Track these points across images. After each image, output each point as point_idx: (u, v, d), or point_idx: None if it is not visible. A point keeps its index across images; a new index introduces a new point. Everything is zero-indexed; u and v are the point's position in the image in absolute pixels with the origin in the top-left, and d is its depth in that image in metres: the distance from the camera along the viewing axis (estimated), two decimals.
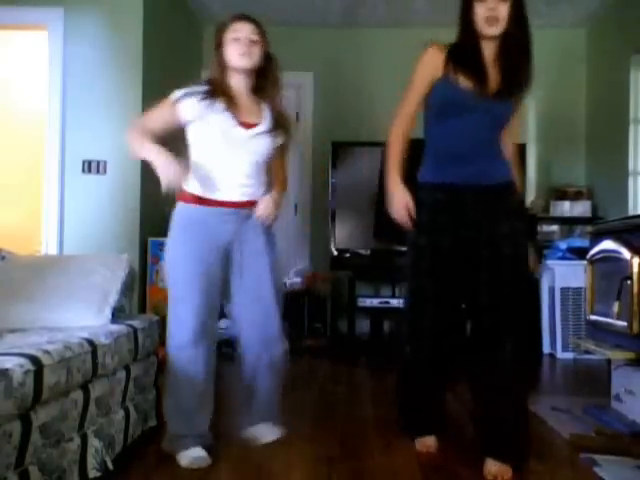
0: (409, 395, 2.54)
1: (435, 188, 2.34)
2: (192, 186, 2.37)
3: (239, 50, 2.33)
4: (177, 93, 2.33)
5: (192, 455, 2.27)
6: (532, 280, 5.04)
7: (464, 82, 2.25)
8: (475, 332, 2.32)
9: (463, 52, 2.27)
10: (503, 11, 2.19)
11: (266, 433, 2.48)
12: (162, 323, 2.89)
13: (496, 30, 2.20)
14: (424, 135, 2.41)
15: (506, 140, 2.37)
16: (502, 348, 2.22)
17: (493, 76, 2.26)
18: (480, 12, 2.20)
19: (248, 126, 2.35)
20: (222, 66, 2.37)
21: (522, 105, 2.37)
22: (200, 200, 2.36)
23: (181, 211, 2.39)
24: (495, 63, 2.27)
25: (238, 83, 2.39)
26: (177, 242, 2.36)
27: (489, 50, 2.26)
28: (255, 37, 2.37)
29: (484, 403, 2.30)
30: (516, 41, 2.23)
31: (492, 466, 2.19)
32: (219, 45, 2.37)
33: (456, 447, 2.51)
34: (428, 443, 2.48)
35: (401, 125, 2.37)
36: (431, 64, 2.29)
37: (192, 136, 2.37)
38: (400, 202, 2.33)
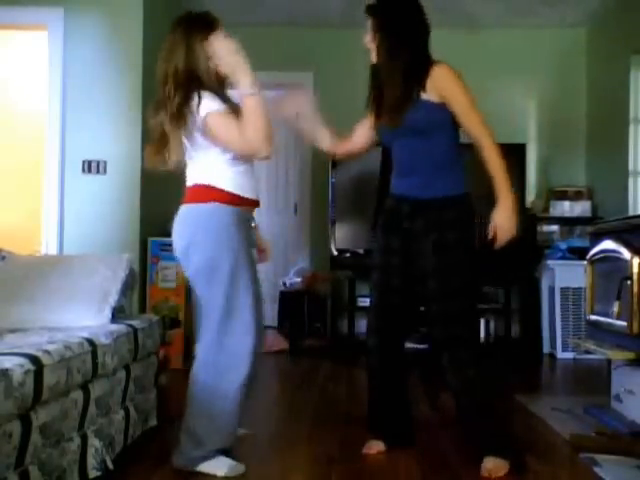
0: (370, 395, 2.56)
1: (389, 197, 2.47)
2: (230, 184, 2.25)
3: None
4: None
5: (228, 463, 2.20)
6: (532, 279, 5.05)
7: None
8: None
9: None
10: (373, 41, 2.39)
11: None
12: (162, 323, 2.90)
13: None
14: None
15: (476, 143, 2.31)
16: (447, 354, 2.28)
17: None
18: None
19: None
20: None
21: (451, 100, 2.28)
22: (237, 199, 2.25)
23: (221, 211, 2.22)
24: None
25: None
26: (234, 244, 2.21)
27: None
28: None
29: (457, 407, 2.36)
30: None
31: (487, 462, 2.22)
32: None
33: (457, 447, 2.51)
34: (373, 446, 2.46)
35: None
36: None
37: None
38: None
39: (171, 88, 2.18)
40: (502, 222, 2.24)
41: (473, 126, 2.27)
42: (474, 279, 2.35)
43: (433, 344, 2.38)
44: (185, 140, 2.21)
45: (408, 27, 2.36)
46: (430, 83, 2.27)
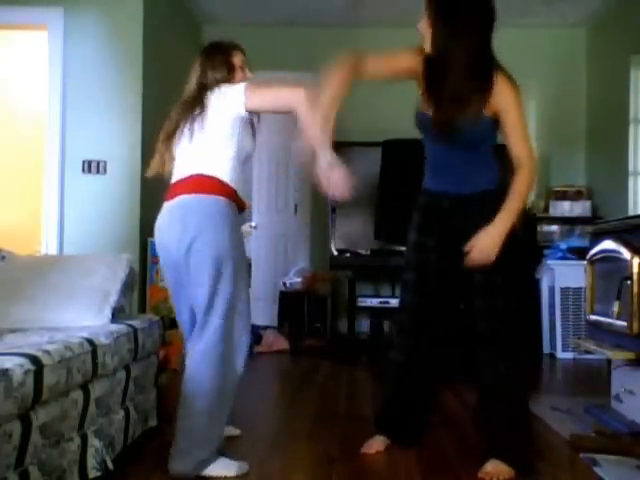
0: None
1: (424, 193, 2.43)
2: (233, 180, 2.29)
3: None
4: None
5: (232, 465, 2.18)
6: (531, 280, 5.05)
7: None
8: (471, 335, 2.31)
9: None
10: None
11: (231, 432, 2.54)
12: (162, 323, 2.90)
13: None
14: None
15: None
16: (496, 353, 2.24)
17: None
18: None
19: None
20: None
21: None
22: (236, 197, 2.30)
23: (226, 205, 2.24)
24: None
25: None
26: (237, 240, 2.25)
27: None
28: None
29: (483, 406, 2.33)
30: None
31: (489, 465, 2.20)
32: (230, 66, 2.48)
33: (457, 447, 2.51)
34: (374, 444, 2.46)
35: None
36: None
37: (239, 136, 2.33)
38: None
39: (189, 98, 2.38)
40: (483, 245, 2.17)
41: (520, 146, 2.20)
42: (521, 272, 2.31)
43: (474, 339, 2.30)
44: (188, 129, 2.30)
45: (469, 14, 2.14)
46: (491, 98, 2.17)
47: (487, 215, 2.19)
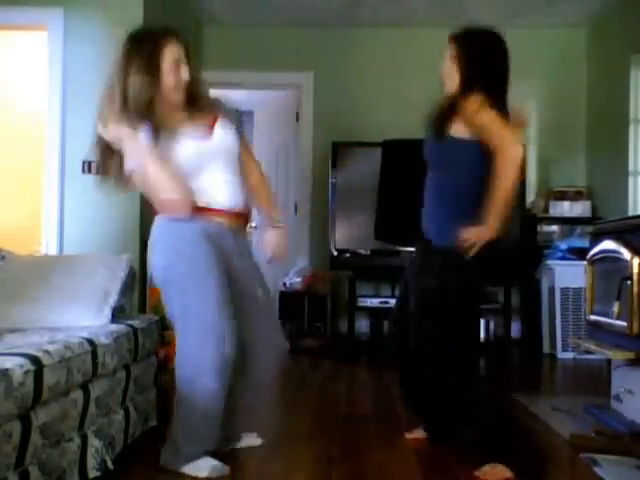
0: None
1: None
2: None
3: (180, 85, 2.20)
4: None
5: (209, 465, 2.15)
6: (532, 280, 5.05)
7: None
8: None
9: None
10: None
11: (251, 441, 2.49)
12: (162, 323, 2.90)
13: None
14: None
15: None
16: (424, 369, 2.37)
17: None
18: None
19: (209, 131, 2.25)
20: (162, 94, 2.20)
21: None
22: (197, 210, 2.20)
23: (167, 225, 2.21)
24: None
25: (177, 102, 2.25)
26: (185, 254, 2.18)
27: None
28: (186, 58, 2.22)
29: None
30: None
31: (487, 465, 2.21)
32: (154, 67, 2.16)
33: (456, 447, 2.51)
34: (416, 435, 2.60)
35: None
36: None
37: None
38: None
39: None
40: (473, 235, 2.22)
41: (494, 137, 2.26)
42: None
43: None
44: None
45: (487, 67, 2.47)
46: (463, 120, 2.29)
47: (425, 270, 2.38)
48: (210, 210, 2.21)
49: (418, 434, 2.62)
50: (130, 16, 4.19)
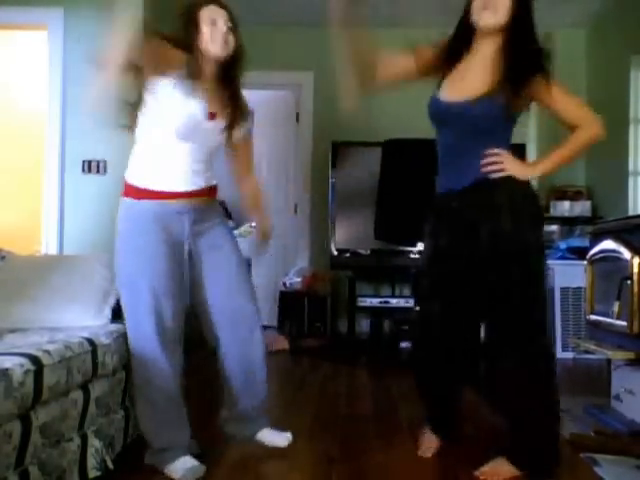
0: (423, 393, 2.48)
1: (435, 198, 2.31)
2: (136, 177, 2.24)
3: (217, 35, 2.19)
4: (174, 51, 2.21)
5: (184, 467, 2.14)
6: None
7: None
8: (486, 338, 2.23)
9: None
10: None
11: (275, 439, 2.46)
12: None
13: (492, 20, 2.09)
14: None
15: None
16: (505, 358, 2.12)
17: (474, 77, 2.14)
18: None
19: (212, 116, 2.24)
20: (198, 49, 2.20)
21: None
22: (147, 193, 2.20)
23: (126, 207, 2.23)
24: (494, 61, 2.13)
25: (207, 69, 2.25)
26: (125, 242, 2.21)
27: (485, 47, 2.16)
28: (232, 25, 2.25)
29: (505, 407, 2.23)
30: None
31: (488, 465, 2.18)
32: (194, 25, 2.21)
33: (457, 447, 2.51)
34: (430, 441, 2.42)
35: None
36: None
37: (149, 113, 2.22)
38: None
39: None
40: (513, 168, 2.20)
41: (579, 111, 2.32)
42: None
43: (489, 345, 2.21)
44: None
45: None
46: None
47: (500, 202, 2.10)
48: (160, 193, 2.21)
49: (434, 443, 2.40)
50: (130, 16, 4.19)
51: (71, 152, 4.14)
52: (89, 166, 4.15)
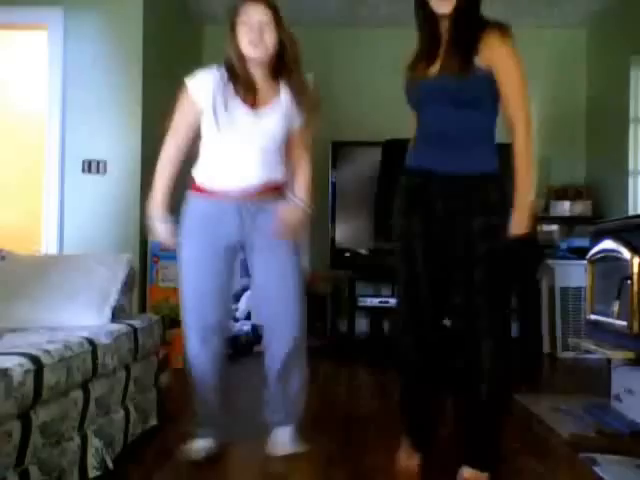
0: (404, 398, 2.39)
1: (407, 173, 2.23)
2: (200, 175, 2.34)
3: (249, 36, 2.23)
4: (190, 80, 2.29)
5: (194, 446, 2.35)
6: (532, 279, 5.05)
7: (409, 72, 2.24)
8: (452, 333, 2.21)
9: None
10: None
11: (286, 441, 2.43)
12: (162, 323, 2.90)
13: (448, 7, 2.11)
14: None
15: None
16: (477, 356, 2.10)
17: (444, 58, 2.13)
18: None
19: (261, 112, 2.28)
20: (239, 53, 2.26)
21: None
22: (206, 191, 2.31)
23: (187, 201, 2.36)
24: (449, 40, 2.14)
25: (253, 68, 2.30)
26: (182, 238, 2.33)
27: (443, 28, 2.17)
28: (267, 20, 2.24)
29: (465, 414, 2.22)
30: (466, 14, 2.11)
31: (466, 472, 2.14)
32: (232, 29, 2.26)
33: (456, 447, 2.51)
34: (412, 461, 2.29)
35: None
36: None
37: (205, 123, 2.31)
38: None
39: None
40: (517, 222, 2.06)
41: (515, 105, 2.07)
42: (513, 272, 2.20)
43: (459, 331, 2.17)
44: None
45: None
46: (483, 48, 2.06)
47: (486, 207, 2.06)
48: (210, 191, 2.31)
49: (414, 460, 2.28)
50: (130, 16, 4.19)
51: (71, 152, 4.14)
52: (89, 166, 4.15)
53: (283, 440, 2.43)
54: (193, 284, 2.31)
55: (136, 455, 2.36)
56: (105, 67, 4.18)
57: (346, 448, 2.50)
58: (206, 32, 5.76)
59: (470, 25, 2.11)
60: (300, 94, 2.36)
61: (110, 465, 2.10)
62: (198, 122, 2.31)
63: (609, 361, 3.09)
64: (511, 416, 2.37)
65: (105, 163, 4.14)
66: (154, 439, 2.56)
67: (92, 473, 2.00)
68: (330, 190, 5.18)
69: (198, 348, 2.34)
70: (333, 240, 5.15)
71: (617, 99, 4.91)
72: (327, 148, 5.22)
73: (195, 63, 5.63)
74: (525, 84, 2.09)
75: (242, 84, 2.26)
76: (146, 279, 4.18)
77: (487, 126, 2.15)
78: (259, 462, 2.35)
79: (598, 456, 2.39)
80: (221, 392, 2.42)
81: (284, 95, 2.35)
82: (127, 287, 2.71)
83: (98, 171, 4.14)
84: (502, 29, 2.09)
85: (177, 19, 5.15)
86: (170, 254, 4.14)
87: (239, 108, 2.25)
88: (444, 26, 2.17)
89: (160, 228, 2.32)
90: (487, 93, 2.10)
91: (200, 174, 2.34)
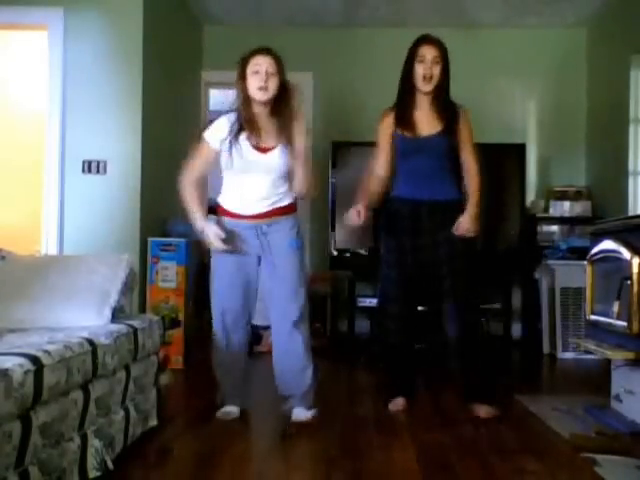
0: (385, 364, 3.26)
1: (396, 201, 3.11)
2: (223, 201, 2.88)
3: (258, 82, 2.70)
4: (207, 134, 2.81)
5: (223, 410, 2.90)
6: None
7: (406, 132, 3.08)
8: (436, 300, 3.08)
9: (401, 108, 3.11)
10: (437, 70, 2.97)
11: (299, 414, 2.84)
12: (162, 323, 2.90)
13: (430, 86, 2.99)
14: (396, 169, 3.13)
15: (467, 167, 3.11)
16: (451, 306, 3.01)
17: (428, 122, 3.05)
18: (419, 70, 2.97)
19: (264, 150, 2.76)
20: (245, 97, 2.75)
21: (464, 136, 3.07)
22: (228, 213, 2.85)
23: (216, 219, 2.90)
24: (430, 111, 3.06)
25: (258, 109, 2.78)
26: (212, 255, 2.91)
27: (425, 101, 3.06)
28: (272, 69, 2.71)
29: (457, 358, 3.04)
30: (443, 96, 3.04)
31: (476, 408, 2.94)
32: (242, 77, 2.74)
33: (457, 447, 2.52)
34: (399, 402, 3.08)
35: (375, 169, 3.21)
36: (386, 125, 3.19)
37: (222, 161, 2.81)
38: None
39: None
40: (467, 225, 3.00)
41: (471, 158, 3.10)
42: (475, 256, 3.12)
43: (440, 300, 3.07)
44: None
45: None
46: (457, 125, 3.07)
47: (454, 219, 3.01)
48: (231, 213, 2.85)
49: (403, 403, 3.08)
50: (130, 16, 4.20)
51: (71, 152, 4.14)
52: (89, 166, 4.15)
53: (297, 412, 2.85)
54: (221, 294, 2.90)
55: (136, 455, 2.36)
56: (105, 67, 4.18)
57: (346, 448, 2.50)
58: (206, 32, 5.76)
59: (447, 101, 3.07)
60: (290, 124, 2.79)
61: (110, 465, 2.10)
62: (215, 159, 2.83)
63: (609, 361, 3.09)
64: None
65: (105, 163, 4.14)
66: (154, 439, 2.56)
67: (92, 473, 2.00)
68: (330, 190, 5.19)
69: (223, 336, 2.89)
70: (333, 240, 5.15)
71: (617, 99, 4.91)
72: (327, 148, 5.23)
73: (195, 63, 5.66)
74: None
75: (249, 127, 2.75)
76: (146, 279, 4.17)
77: (452, 173, 3.11)
78: (257, 460, 2.34)
79: (598, 456, 2.39)
80: (244, 368, 2.99)
81: (284, 133, 2.79)
82: (127, 287, 2.71)
83: (98, 171, 4.14)
84: (465, 110, 3.11)
85: (177, 19, 5.15)
86: (170, 254, 4.15)
87: (247, 148, 2.75)
88: (424, 98, 3.06)
89: (211, 231, 2.75)
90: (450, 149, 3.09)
91: (223, 201, 2.88)
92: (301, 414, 2.83)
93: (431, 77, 2.96)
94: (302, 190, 2.89)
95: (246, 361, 3.01)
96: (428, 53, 2.96)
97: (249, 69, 2.72)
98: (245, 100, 2.75)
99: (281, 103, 2.77)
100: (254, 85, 2.71)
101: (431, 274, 3.07)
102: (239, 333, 2.92)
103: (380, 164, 3.17)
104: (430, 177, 3.04)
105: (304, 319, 2.88)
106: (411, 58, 3.01)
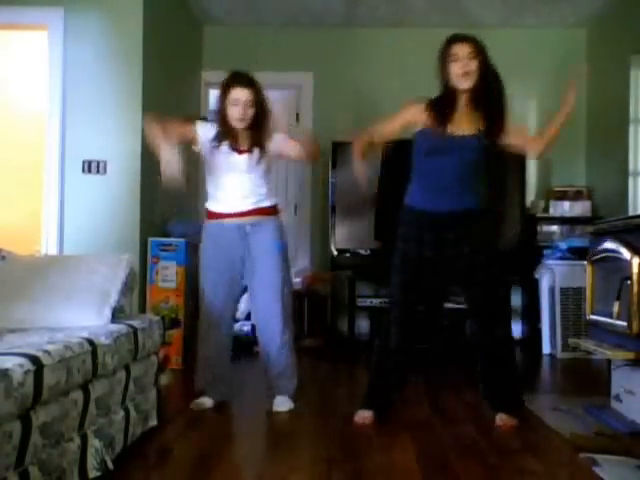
0: (372, 372, 3.04)
1: (416, 211, 2.89)
2: (208, 203, 3.09)
3: (237, 114, 2.92)
4: (200, 123, 3.04)
5: (198, 401, 3.05)
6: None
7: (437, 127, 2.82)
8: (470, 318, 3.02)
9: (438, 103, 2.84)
10: (473, 66, 2.74)
11: (280, 404, 3.04)
12: (162, 323, 2.90)
13: (468, 82, 2.75)
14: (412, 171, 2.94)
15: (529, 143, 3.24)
16: (494, 328, 2.88)
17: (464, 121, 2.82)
18: (455, 69, 2.74)
19: (242, 152, 2.98)
20: (225, 120, 2.95)
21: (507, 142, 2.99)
22: (214, 215, 3.04)
23: (204, 227, 3.13)
24: (467, 110, 2.83)
25: (239, 131, 3.01)
26: (201, 254, 3.14)
27: (462, 100, 2.81)
28: (250, 100, 2.93)
29: (487, 370, 2.93)
30: (485, 92, 2.82)
31: (499, 418, 2.82)
32: (222, 101, 2.94)
33: (457, 447, 2.52)
34: (365, 415, 2.87)
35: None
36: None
37: (206, 167, 3.06)
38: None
39: None
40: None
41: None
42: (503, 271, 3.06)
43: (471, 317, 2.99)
44: None
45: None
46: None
47: (480, 231, 2.88)
48: (216, 214, 3.04)
49: (367, 415, 2.87)
50: (130, 16, 4.20)
51: (71, 152, 4.14)
52: (89, 166, 4.15)
53: (281, 402, 3.05)
54: (209, 286, 3.09)
55: (136, 455, 2.36)
56: (105, 67, 4.18)
57: (346, 448, 2.50)
58: (206, 32, 5.76)
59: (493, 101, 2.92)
60: (266, 135, 3.03)
61: (110, 465, 2.10)
62: (187, 141, 3.00)
63: (609, 361, 3.09)
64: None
65: (105, 163, 4.14)
66: (154, 439, 2.56)
67: (92, 473, 2.00)
68: (330, 190, 5.18)
69: (207, 328, 3.08)
70: (333, 240, 5.14)
71: (617, 99, 4.91)
72: (327, 148, 5.22)
73: (195, 63, 5.66)
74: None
75: (227, 137, 2.97)
76: (146, 279, 4.18)
77: (477, 182, 2.97)
78: (257, 461, 2.34)
79: (598, 456, 2.38)
80: (226, 365, 3.14)
81: (259, 142, 3.01)
82: (127, 287, 2.71)
83: (98, 171, 4.14)
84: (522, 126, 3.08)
85: (177, 19, 5.15)
86: (170, 255, 4.15)
87: (226, 150, 2.97)
88: (462, 96, 2.81)
89: (166, 155, 2.78)
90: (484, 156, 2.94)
91: (209, 204, 3.08)
92: (281, 404, 3.03)
93: (468, 73, 2.73)
94: (301, 153, 3.06)
95: (229, 356, 3.16)
96: (460, 50, 2.75)
97: (229, 99, 2.92)
98: (223, 119, 2.96)
99: (258, 122, 2.99)
100: (233, 116, 2.93)
101: (452, 283, 3.06)
102: (224, 328, 3.11)
103: (382, 129, 3.12)
104: (450, 183, 2.83)
105: (287, 320, 3.07)
106: (444, 60, 2.78)
